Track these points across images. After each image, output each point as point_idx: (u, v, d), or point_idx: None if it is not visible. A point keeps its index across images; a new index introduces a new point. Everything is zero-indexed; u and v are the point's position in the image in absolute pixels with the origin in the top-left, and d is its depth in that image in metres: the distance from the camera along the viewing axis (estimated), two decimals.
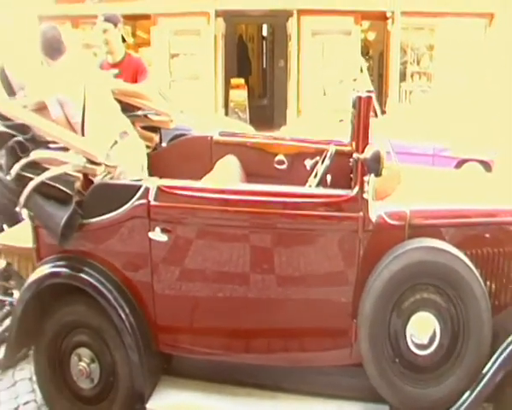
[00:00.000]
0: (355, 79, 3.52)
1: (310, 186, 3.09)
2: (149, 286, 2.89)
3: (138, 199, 2.84)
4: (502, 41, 11.54)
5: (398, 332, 2.64)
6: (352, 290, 2.77)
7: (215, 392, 2.95)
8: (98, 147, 3.06)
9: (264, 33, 17.53)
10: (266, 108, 15.97)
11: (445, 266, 2.59)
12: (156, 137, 3.96)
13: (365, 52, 13.25)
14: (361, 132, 2.72)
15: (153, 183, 2.90)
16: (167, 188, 2.86)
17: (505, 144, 6.88)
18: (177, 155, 3.78)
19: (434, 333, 2.61)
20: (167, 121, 3.96)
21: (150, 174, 3.43)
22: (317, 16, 12.34)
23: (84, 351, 2.99)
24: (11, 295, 3.56)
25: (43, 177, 2.88)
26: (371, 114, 2.76)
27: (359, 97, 2.73)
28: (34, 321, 3.01)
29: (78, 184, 2.98)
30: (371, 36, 14.27)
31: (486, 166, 7.12)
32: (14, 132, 2.93)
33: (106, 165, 3.02)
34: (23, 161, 2.89)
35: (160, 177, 3.02)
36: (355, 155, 2.71)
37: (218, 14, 12.69)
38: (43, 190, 2.89)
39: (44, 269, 2.99)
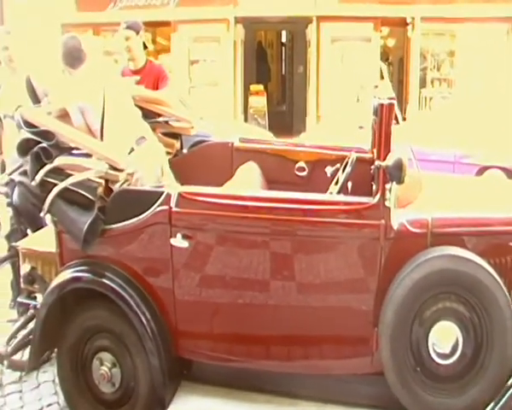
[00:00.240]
0: (376, 86, 3.51)
1: (331, 193, 3.09)
2: (170, 292, 2.91)
3: (160, 205, 2.86)
4: None
5: (420, 341, 2.62)
6: (373, 298, 2.75)
7: (234, 398, 2.95)
8: (117, 152, 3.09)
9: (284, 40, 17.56)
10: (285, 114, 15.98)
11: (468, 274, 2.57)
12: (177, 144, 3.98)
13: (385, 58, 13.19)
14: (383, 139, 2.72)
15: (174, 189, 2.92)
16: (189, 194, 2.88)
17: None
18: (197, 161, 3.79)
19: (457, 342, 2.59)
20: (188, 128, 3.98)
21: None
22: (336, 23, 12.33)
23: (105, 355, 3.01)
24: (34, 298, 3.61)
25: (67, 183, 2.92)
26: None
27: (381, 104, 2.72)
28: (57, 325, 3.04)
29: (100, 190, 3.01)
30: (391, 42, 14.21)
31: (509, 173, 7.03)
32: (38, 139, 2.97)
33: (123, 171, 3.05)
34: (47, 167, 2.93)
35: (181, 183, 3.04)
36: (377, 163, 2.70)
37: (237, 20, 12.76)
38: (67, 196, 2.93)
39: (67, 274, 3.02)
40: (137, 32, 4.31)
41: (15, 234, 3.92)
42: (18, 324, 3.57)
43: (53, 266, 3.28)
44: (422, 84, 12.64)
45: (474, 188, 3.71)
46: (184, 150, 4.00)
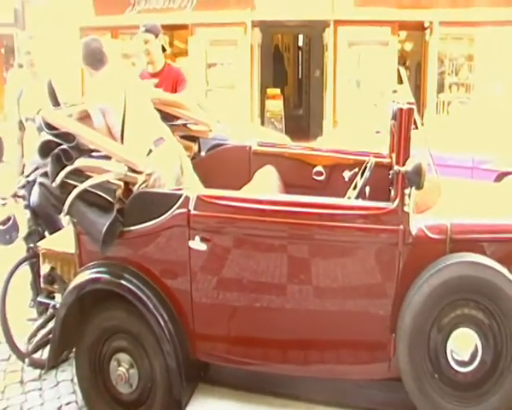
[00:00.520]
0: (395, 91, 3.50)
1: (349, 198, 3.08)
2: (188, 294, 2.92)
3: (178, 208, 2.88)
4: None
5: (438, 348, 2.61)
6: (391, 304, 2.74)
7: (251, 402, 2.97)
8: (136, 154, 3.12)
9: (300, 43, 17.56)
10: (302, 118, 15.97)
11: (488, 281, 2.55)
12: (195, 147, 4.00)
13: (402, 63, 13.11)
14: (402, 144, 2.71)
15: (193, 192, 2.93)
16: (207, 197, 2.90)
17: None
18: (215, 164, 3.81)
19: (476, 350, 2.56)
20: (206, 131, 4.00)
21: None
22: (353, 27, 12.30)
23: (123, 356, 3.03)
24: (53, 298, 3.65)
25: (86, 184, 2.95)
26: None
27: (400, 109, 2.72)
28: (76, 325, 3.07)
29: (119, 192, 3.03)
30: (408, 46, 14.13)
31: None
32: (59, 141, 3.00)
33: (142, 174, 3.07)
34: (68, 169, 2.96)
35: None
36: (396, 168, 2.70)
37: (254, 24, 12.77)
38: (86, 198, 2.96)
39: (86, 275, 3.05)
40: (156, 36, 4.34)
41: (33, 236, 3.97)
42: (38, 323, 3.62)
43: (72, 267, 3.32)
44: (440, 88, 12.53)
45: (493, 194, 3.68)
46: (202, 153, 4.02)
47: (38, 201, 3.87)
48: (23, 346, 3.62)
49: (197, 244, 2.84)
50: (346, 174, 3.44)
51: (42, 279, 3.50)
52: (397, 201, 2.69)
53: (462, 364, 2.58)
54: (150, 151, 3.23)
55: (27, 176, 3.98)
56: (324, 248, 2.80)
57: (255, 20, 12.67)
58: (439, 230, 2.74)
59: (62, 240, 3.50)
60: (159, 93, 3.88)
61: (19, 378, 3.76)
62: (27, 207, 3.97)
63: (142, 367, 3.01)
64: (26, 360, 3.59)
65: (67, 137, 3.02)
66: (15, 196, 3.93)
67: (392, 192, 2.79)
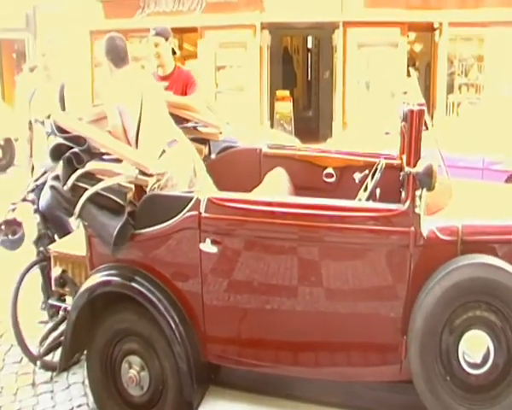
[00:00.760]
0: (405, 92, 3.49)
1: (359, 200, 3.08)
2: (199, 297, 2.92)
3: (189, 210, 2.88)
4: None
5: (450, 350, 2.59)
6: (402, 306, 2.73)
7: (262, 404, 2.96)
8: (149, 156, 3.13)
9: (310, 45, 17.56)
10: (311, 119, 15.97)
11: (499, 283, 2.53)
12: (205, 149, 4.01)
13: (411, 64, 13.08)
14: (413, 146, 2.69)
15: (203, 194, 2.94)
16: (218, 200, 2.90)
17: None
18: (225, 166, 3.81)
19: (488, 352, 2.54)
20: (216, 133, 4.01)
21: None
22: (362, 28, 12.29)
23: (134, 359, 3.04)
24: (64, 300, 3.67)
25: (98, 187, 2.96)
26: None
27: (411, 110, 2.71)
28: (87, 327, 3.09)
29: (130, 195, 3.05)
30: (418, 47, 14.09)
31: None
32: (70, 144, 3.02)
33: (153, 176, 3.09)
34: (79, 172, 2.97)
35: None
36: (407, 169, 2.68)
37: (263, 26, 12.81)
38: (97, 201, 2.97)
39: (97, 277, 3.06)
40: (166, 39, 4.35)
41: (43, 239, 3.99)
42: (49, 325, 3.64)
43: (83, 270, 3.34)
44: (450, 89, 12.50)
45: (504, 195, 3.66)
46: (212, 156, 4.03)
47: (48, 204, 3.90)
48: (35, 348, 3.64)
49: (208, 247, 2.85)
50: (357, 176, 3.44)
51: (53, 282, 3.52)
52: (408, 202, 2.68)
53: (474, 366, 2.56)
54: (163, 152, 3.25)
55: (36, 180, 4.01)
56: (335, 250, 2.80)
57: (264, 22, 12.71)
58: (450, 231, 2.72)
59: (73, 243, 3.52)
60: (169, 96, 3.89)
61: (31, 381, 3.80)
62: (37, 211, 3.99)
63: (153, 370, 3.01)
64: (38, 363, 3.61)
65: (78, 140, 3.04)
66: (25, 200, 3.96)
67: (403, 194, 2.78)
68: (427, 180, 2.57)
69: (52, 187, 3.10)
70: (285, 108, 13.46)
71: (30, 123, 4.26)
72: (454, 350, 2.59)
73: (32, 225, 4.01)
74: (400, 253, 2.70)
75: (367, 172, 3.37)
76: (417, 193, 2.66)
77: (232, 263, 2.88)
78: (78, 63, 12.60)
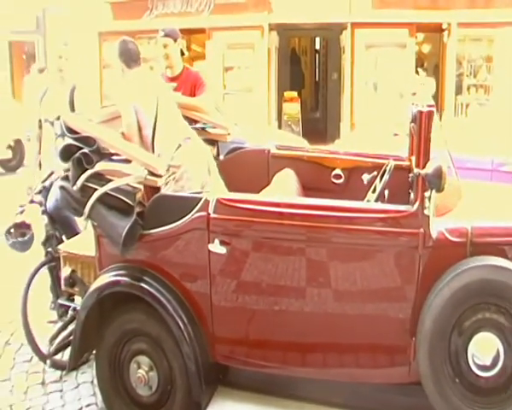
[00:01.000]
0: (414, 93, 3.48)
1: (368, 201, 3.07)
2: (207, 297, 2.93)
3: (198, 211, 2.89)
4: None
5: (459, 352, 2.58)
6: (411, 307, 2.72)
7: (270, 405, 2.96)
8: (166, 151, 3.16)
9: (317, 46, 17.54)
10: (319, 121, 15.95)
11: (509, 285, 2.52)
12: (213, 150, 4.02)
13: (420, 65, 13.04)
14: (422, 147, 2.69)
15: (212, 195, 2.95)
16: (226, 200, 2.90)
17: None
18: (234, 167, 3.81)
19: (498, 354, 2.53)
20: (224, 134, 4.02)
21: None
22: (370, 29, 12.26)
23: (143, 359, 3.05)
24: (73, 300, 3.69)
25: (107, 188, 2.97)
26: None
27: (420, 112, 2.70)
28: (96, 327, 3.10)
29: (139, 196, 3.06)
30: (426, 48, 14.03)
31: None
32: (80, 144, 3.04)
33: (170, 165, 3.13)
34: (88, 173, 2.99)
35: None
36: (416, 170, 2.68)
37: (271, 27, 12.80)
38: (107, 201, 2.98)
39: (106, 277, 3.08)
40: (175, 40, 4.36)
41: (51, 240, 4.02)
42: (59, 325, 3.67)
43: (92, 270, 3.36)
44: (458, 90, 12.44)
45: None
46: (221, 157, 4.03)
47: (56, 205, 3.93)
48: (45, 347, 3.67)
49: (217, 247, 2.85)
50: (365, 177, 3.43)
51: (63, 282, 3.54)
52: (417, 204, 2.67)
53: (483, 368, 2.55)
54: (179, 146, 3.27)
55: (43, 181, 4.04)
56: (343, 251, 2.80)
57: (272, 23, 12.70)
58: (459, 233, 2.71)
59: (82, 243, 3.54)
60: (177, 97, 3.90)
61: (40, 380, 3.82)
62: (44, 212, 4.02)
63: (161, 370, 3.02)
64: (48, 362, 3.65)
65: (88, 140, 3.05)
66: (32, 201, 3.98)
67: (412, 195, 2.78)
68: (436, 182, 2.56)
69: (62, 187, 3.12)
70: (293, 109, 13.45)
71: (40, 122, 4.29)
72: (463, 352, 2.58)
73: (39, 227, 4.04)
74: (409, 254, 2.70)
75: (375, 173, 3.36)
76: (426, 194, 2.66)
77: (240, 264, 2.89)
78: (87, 65, 12.66)
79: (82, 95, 4.08)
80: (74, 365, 3.29)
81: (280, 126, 13.01)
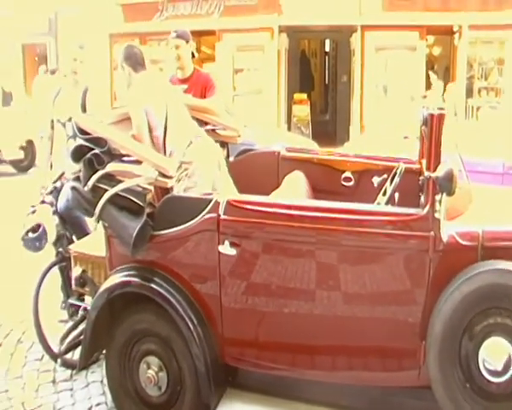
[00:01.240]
0: (425, 96, 3.48)
1: (378, 204, 3.07)
2: (217, 299, 2.94)
3: (208, 212, 2.90)
4: None
5: (470, 357, 2.56)
6: (421, 311, 2.71)
7: (279, 407, 2.96)
8: (177, 147, 3.20)
9: (327, 49, 17.54)
10: (329, 123, 15.94)
11: None
12: (224, 152, 4.03)
13: (430, 67, 12.99)
14: (433, 150, 2.68)
15: (222, 197, 2.95)
16: (237, 202, 2.91)
17: None
18: (244, 169, 3.82)
19: (509, 359, 2.51)
20: (235, 136, 4.03)
21: None
22: (381, 31, 12.23)
23: (152, 359, 3.06)
24: (84, 300, 3.72)
25: (118, 188, 2.99)
26: None
27: (431, 115, 2.70)
28: (106, 327, 3.11)
29: (149, 196, 3.07)
30: (436, 51, 13.98)
31: None
32: (91, 145, 3.06)
33: (182, 162, 3.16)
34: (99, 173, 3.01)
35: None
36: (427, 174, 2.67)
37: (281, 29, 12.82)
38: (117, 202, 3.00)
39: (116, 278, 3.09)
40: (187, 41, 4.37)
41: (61, 240, 4.04)
42: (69, 324, 3.69)
43: (102, 270, 3.38)
44: (469, 93, 12.37)
45: None
46: (231, 159, 4.04)
47: (66, 205, 3.95)
48: (55, 347, 3.69)
49: (227, 249, 2.86)
50: (376, 180, 3.43)
51: (73, 282, 3.57)
52: (427, 207, 2.66)
53: (494, 374, 2.52)
54: (191, 143, 3.30)
55: (54, 182, 4.06)
56: (353, 254, 2.79)
57: (282, 25, 12.71)
58: (470, 237, 2.70)
59: (93, 243, 3.56)
60: (187, 99, 3.91)
61: (51, 378, 3.84)
62: (55, 212, 4.04)
63: (171, 370, 3.02)
64: (59, 361, 3.68)
65: (99, 141, 3.07)
66: (43, 202, 4.01)
67: (423, 198, 2.77)
68: (447, 185, 2.55)
69: (73, 188, 3.14)
70: (302, 111, 13.45)
71: (52, 122, 4.32)
72: (474, 357, 2.56)
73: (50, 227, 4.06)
74: (419, 258, 2.69)
75: (386, 176, 3.35)
76: (437, 198, 2.65)
77: (250, 266, 2.89)
78: (99, 66, 12.73)
79: (93, 96, 4.13)
80: (84, 364, 3.31)
81: (289, 129, 13.01)
